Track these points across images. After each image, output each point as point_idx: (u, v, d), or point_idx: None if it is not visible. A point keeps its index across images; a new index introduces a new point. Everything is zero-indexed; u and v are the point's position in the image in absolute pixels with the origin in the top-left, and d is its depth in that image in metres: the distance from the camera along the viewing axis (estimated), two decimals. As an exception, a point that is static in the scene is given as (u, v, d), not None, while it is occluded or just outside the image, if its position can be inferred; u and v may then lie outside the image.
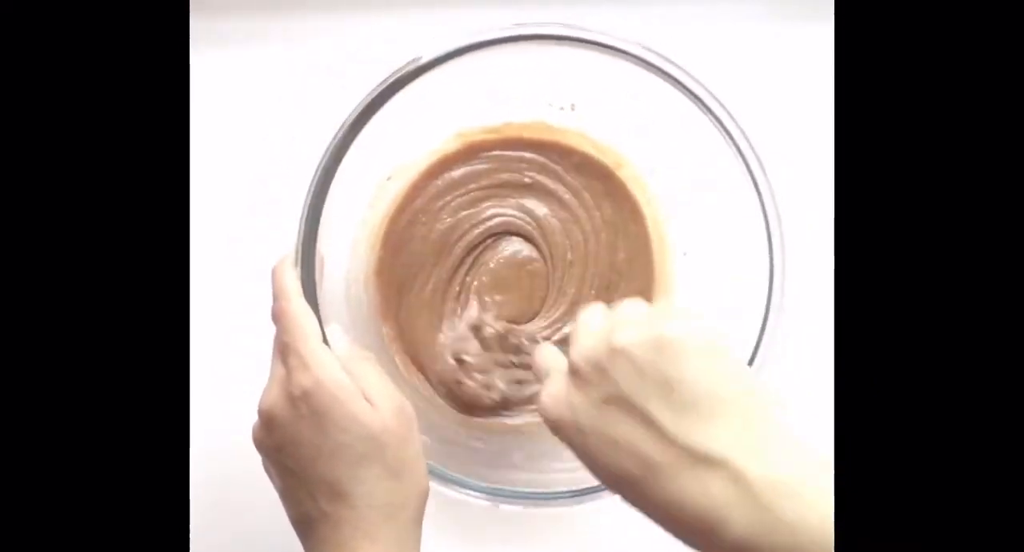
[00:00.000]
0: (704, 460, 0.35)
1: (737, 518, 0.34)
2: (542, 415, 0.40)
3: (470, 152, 0.58)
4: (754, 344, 0.50)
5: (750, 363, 0.50)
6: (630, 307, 0.40)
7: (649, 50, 0.49)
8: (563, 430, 0.39)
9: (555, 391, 0.40)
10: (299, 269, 0.47)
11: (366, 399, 0.43)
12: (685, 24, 0.61)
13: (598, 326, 0.39)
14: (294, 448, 0.43)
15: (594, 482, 0.47)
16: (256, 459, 0.46)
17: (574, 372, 0.39)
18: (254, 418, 0.45)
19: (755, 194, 0.50)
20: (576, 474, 0.48)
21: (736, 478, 0.35)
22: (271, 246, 0.49)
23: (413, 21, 0.61)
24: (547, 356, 0.43)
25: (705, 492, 0.35)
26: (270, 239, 0.52)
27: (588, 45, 0.49)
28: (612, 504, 0.47)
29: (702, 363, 0.36)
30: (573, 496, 0.49)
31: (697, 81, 0.49)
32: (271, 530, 0.51)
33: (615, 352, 0.37)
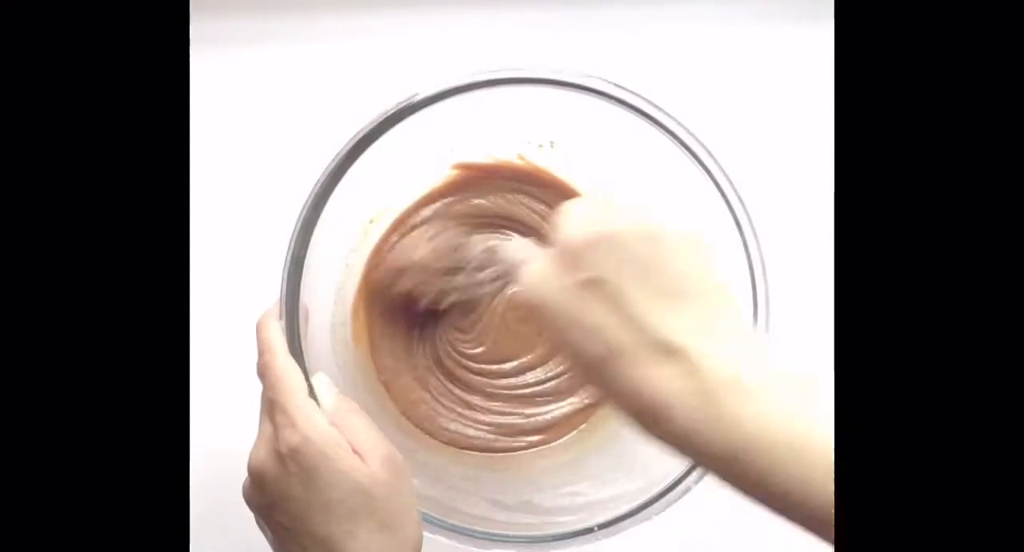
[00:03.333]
0: (665, 348, 0.35)
1: (682, 408, 0.35)
2: (521, 296, 0.39)
3: (451, 190, 0.59)
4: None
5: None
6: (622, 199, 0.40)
7: (628, 91, 0.49)
8: (537, 310, 0.39)
9: (537, 269, 0.39)
10: (283, 321, 0.46)
11: (355, 452, 0.43)
12: (683, 23, 0.62)
13: (588, 214, 0.39)
14: (285, 505, 0.42)
15: (586, 524, 0.48)
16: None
17: (559, 255, 0.38)
18: (254, 418, 0.45)
19: (737, 231, 0.51)
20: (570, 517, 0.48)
21: (691, 370, 0.35)
22: (271, 245, 0.49)
23: (413, 23, 0.62)
24: (522, 245, 0.44)
25: (661, 380, 0.35)
26: (270, 238, 0.50)
27: (568, 87, 0.49)
28: (607, 545, 0.48)
29: (688, 257, 0.37)
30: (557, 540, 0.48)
31: (680, 123, 0.49)
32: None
33: (605, 237, 0.37)
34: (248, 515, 0.46)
